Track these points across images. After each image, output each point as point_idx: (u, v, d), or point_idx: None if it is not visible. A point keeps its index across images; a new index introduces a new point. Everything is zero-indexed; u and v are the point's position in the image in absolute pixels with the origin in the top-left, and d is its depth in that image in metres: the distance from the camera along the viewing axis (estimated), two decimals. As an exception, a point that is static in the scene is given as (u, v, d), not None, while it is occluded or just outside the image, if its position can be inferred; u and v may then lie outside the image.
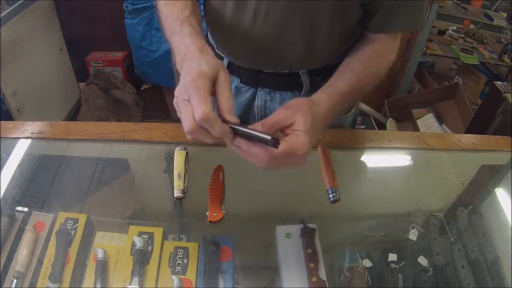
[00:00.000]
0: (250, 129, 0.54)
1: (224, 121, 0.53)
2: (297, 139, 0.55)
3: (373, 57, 0.74)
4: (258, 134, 0.53)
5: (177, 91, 0.56)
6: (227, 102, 0.54)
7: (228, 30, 0.80)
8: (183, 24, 0.65)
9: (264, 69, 0.85)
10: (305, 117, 0.57)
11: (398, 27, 0.77)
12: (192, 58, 0.58)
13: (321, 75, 0.86)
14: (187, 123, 0.52)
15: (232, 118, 0.53)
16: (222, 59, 0.89)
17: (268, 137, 0.51)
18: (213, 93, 0.54)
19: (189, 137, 0.54)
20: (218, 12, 0.79)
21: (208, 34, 0.90)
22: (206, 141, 0.54)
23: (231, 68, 0.89)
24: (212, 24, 0.84)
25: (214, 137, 0.53)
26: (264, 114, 0.93)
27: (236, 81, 0.90)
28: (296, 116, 0.57)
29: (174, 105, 0.56)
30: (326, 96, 0.65)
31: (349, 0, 0.72)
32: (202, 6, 0.83)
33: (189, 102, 0.52)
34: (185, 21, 0.66)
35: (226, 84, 0.55)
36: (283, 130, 0.57)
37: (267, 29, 0.75)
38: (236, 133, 0.54)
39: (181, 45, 0.61)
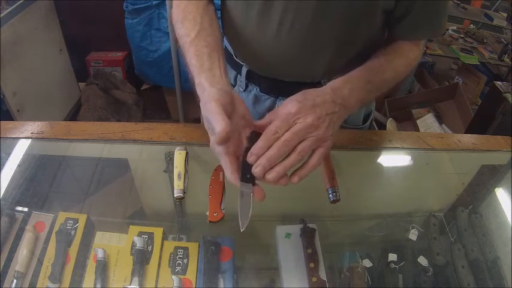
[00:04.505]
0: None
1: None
2: (283, 106, 0.58)
3: (389, 55, 0.74)
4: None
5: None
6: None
7: (250, 40, 0.78)
8: (189, 51, 0.67)
9: (285, 79, 0.84)
10: (292, 97, 0.60)
11: (424, 34, 0.77)
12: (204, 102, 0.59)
13: None
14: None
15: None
16: (241, 66, 0.87)
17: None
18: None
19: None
20: (239, 22, 0.77)
21: (225, 40, 0.88)
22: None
23: (251, 77, 0.87)
24: (231, 32, 0.82)
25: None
26: None
27: (255, 89, 0.88)
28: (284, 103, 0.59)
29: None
30: (328, 83, 0.65)
31: (374, 8, 0.70)
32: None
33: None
34: (192, 45, 0.67)
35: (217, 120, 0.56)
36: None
37: (292, 38, 0.74)
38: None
39: (195, 76, 0.64)
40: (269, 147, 0.55)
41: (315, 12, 0.69)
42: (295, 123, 0.56)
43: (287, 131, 0.55)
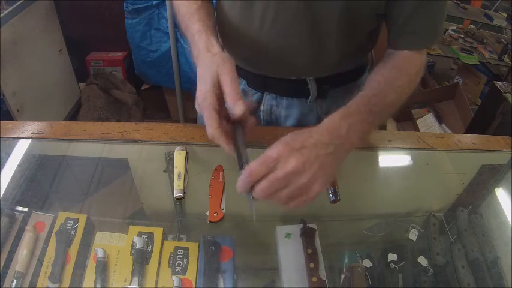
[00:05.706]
0: (241, 149, 0.57)
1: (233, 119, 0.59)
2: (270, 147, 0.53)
3: (390, 74, 0.70)
4: (241, 153, 0.57)
5: (196, 100, 0.61)
6: (231, 98, 0.57)
7: (235, 35, 0.80)
8: (191, 19, 0.69)
9: (270, 74, 0.85)
10: (284, 137, 0.54)
11: (418, 44, 0.73)
12: (200, 59, 0.63)
13: (328, 83, 0.85)
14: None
15: (238, 108, 0.56)
16: None
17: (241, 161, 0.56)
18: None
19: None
20: (227, 16, 0.78)
21: (218, 35, 0.90)
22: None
23: (239, 71, 0.87)
24: (221, 26, 0.83)
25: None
26: (270, 119, 0.92)
27: (243, 84, 0.89)
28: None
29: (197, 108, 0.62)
30: (324, 120, 0.59)
31: (358, 11, 0.70)
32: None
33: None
34: (193, 15, 0.69)
35: (227, 81, 0.57)
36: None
37: (273, 35, 0.75)
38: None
39: (193, 43, 0.67)
40: (244, 189, 0.53)
41: (294, 12, 0.70)
42: (275, 169, 0.51)
43: (264, 176, 0.51)
